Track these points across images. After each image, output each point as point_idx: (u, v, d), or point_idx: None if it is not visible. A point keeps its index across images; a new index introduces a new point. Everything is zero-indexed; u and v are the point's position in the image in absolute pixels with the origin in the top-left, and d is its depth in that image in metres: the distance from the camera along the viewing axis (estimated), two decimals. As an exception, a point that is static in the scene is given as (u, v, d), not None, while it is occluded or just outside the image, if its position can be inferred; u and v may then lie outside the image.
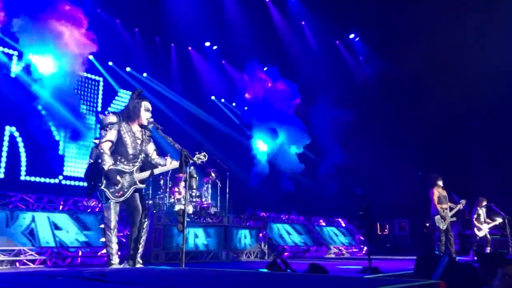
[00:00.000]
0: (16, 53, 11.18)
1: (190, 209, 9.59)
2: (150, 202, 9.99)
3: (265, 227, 11.20)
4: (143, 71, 14.65)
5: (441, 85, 13.13)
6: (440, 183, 9.17)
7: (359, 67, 17.18)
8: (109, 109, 13.28)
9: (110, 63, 13.64)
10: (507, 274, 3.43)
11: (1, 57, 10.98)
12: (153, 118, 5.22)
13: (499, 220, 10.17)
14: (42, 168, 11.33)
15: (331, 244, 13.04)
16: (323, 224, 13.91)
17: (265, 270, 4.91)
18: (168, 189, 10.22)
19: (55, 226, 7.94)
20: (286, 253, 11.50)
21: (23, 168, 11.16)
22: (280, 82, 16.06)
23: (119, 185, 4.84)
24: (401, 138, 14.65)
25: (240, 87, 16.41)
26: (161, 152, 5.42)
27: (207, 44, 15.96)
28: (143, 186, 5.11)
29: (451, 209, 9.07)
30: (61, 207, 8.50)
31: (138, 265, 4.92)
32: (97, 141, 5.04)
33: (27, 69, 10.97)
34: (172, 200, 10.15)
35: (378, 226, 14.98)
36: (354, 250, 13.59)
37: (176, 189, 10.38)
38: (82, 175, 5.15)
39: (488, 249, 9.91)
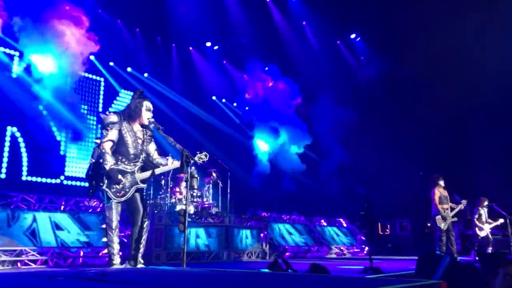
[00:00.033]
0: (17, 53, 11.20)
1: (191, 209, 9.58)
2: (151, 202, 10.00)
3: (266, 227, 11.19)
4: (144, 71, 14.66)
5: (443, 85, 13.13)
6: (442, 183, 9.16)
7: (360, 67, 17.18)
8: (110, 109, 13.29)
9: (111, 63, 13.66)
10: (508, 274, 3.42)
11: (3, 58, 11.00)
12: (154, 118, 5.22)
13: (500, 220, 10.16)
14: (43, 168, 11.34)
15: (333, 244, 13.04)
16: (325, 224, 13.91)
17: (266, 270, 4.91)
18: (169, 189, 10.22)
19: (57, 226, 7.94)
20: (287, 253, 11.49)
21: (25, 169, 11.17)
22: (281, 82, 16.06)
23: (121, 185, 4.84)
24: (402, 138, 14.64)
25: (241, 87, 16.42)
26: (162, 152, 5.42)
27: (208, 44, 15.97)
28: (145, 185, 5.11)
29: (452, 209, 9.06)
30: (62, 207, 8.50)
31: (139, 265, 4.92)
32: (98, 141, 5.03)
33: (28, 69, 10.98)
34: (173, 200, 10.15)
35: (380, 226, 14.98)
36: (356, 250, 13.58)
37: (177, 189, 10.38)
38: (84, 175, 5.15)
39: (489, 249, 9.91)
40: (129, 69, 14.24)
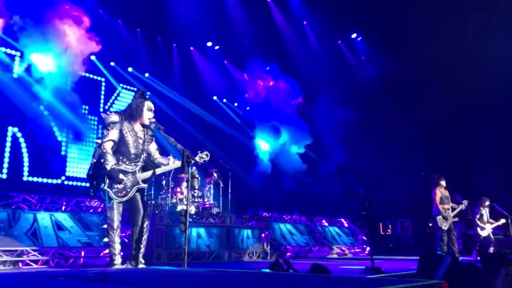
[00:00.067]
0: (18, 53, 11.20)
1: (192, 209, 9.58)
2: (152, 202, 10.00)
3: (268, 227, 11.18)
4: (145, 71, 14.66)
5: (443, 85, 13.12)
6: (443, 183, 9.16)
7: (361, 67, 17.18)
8: (111, 109, 13.29)
9: (112, 64, 13.66)
10: (510, 274, 3.41)
11: (4, 58, 11.00)
12: (155, 118, 5.22)
13: (502, 220, 10.15)
14: (44, 168, 11.34)
15: (334, 244, 13.03)
16: (326, 224, 13.90)
17: (267, 270, 4.91)
18: (170, 190, 10.22)
19: (58, 227, 7.94)
20: (288, 253, 11.49)
21: (26, 169, 11.18)
22: (282, 81, 16.06)
23: (122, 185, 4.84)
24: (403, 137, 14.64)
25: (242, 87, 16.43)
26: (163, 153, 5.42)
27: (209, 44, 15.97)
28: (146, 185, 5.11)
29: (453, 209, 9.07)
30: (63, 207, 8.51)
31: (140, 265, 4.92)
32: (99, 141, 5.03)
33: (29, 70, 10.99)
34: (174, 201, 10.15)
35: (381, 226, 14.97)
36: (357, 250, 13.57)
37: (178, 190, 10.38)
38: (85, 176, 5.15)
39: (491, 249, 9.90)
40: (130, 69, 14.24)
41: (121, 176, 4.80)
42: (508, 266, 3.49)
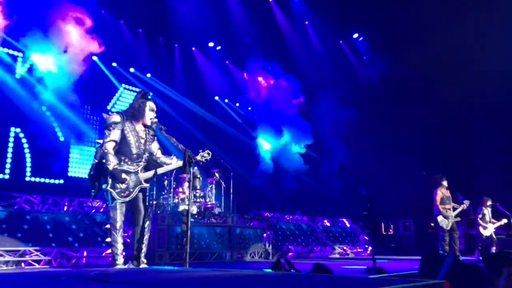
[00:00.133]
0: (20, 54, 11.23)
1: (194, 209, 9.59)
2: (154, 202, 10.01)
3: (269, 227, 11.19)
4: (147, 71, 14.68)
5: (444, 85, 13.11)
6: (445, 183, 9.15)
7: (362, 66, 17.17)
8: (113, 109, 13.31)
9: (114, 64, 13.67)
10: (512, 274, 3.41)
11: (6, 59, 11.03)
12: (157, 119, 5.22)
13: (504, 220, 10.12)
14: (46, 169, 11.36)
15: (336, 244, 13.03)
16: (328, 224, 13.90)
17: (269, 270, 4.91)
18: (172, 190, 10.24)
19: (60, 227, 7.95)
20: (290, 253, 11.50)
21: (28, 169, 11.20)
22: (283, 80, 16.07)
23: (125, 185, 4.84)
24: (405, 137, 14.63)
25: (243, 87, 16.44)
26: (165, 153, 5.41)
27: (211, 44, 15.98)
28: (148, 185, 5.11)
29: (454, 209, 9.06)
30: (65, 207, 8.53)
31: (142, 265, 4.92)
32: (101, 141, 5.02)
33: (31, 70, 11.02)
34: (176, 201, 10.16)
35: (383, 226, 14.95)
36: (359, 250, 13.57)
37: (180, 190, 10.40)
38: (87, 176, 5.13)
39: (493, 249, 9.87)
40: (132, 70, 14.26)
41: (123, 176, 4.80)
42: (510, 266, 3.49)
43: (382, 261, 7.83)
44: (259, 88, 16.57)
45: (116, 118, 4.98)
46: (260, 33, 15.10)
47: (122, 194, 4.83)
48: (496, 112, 13.55)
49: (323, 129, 15.33)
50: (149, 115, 5.13)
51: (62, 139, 11.82)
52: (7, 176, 10.75)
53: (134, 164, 4.98)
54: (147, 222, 5.04)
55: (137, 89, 12.98)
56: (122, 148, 4.96)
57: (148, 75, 14.75)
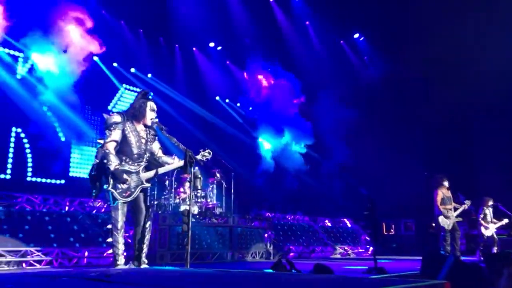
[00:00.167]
0: (21, 54, 11.24)
1: (195, 209, 9.60)
2: (156, 202, 10.01)
3: (271, 227, 11.19)
4: (147, 72, 14.68)
5: (445, 85, 13.10)
6: (446, 183, 9.15)
7: (363, 66, 17.16)
8: (114, 109, 13.32)
9: (115, 64, 13.68)
10: (513, 274, 3.40)
11: (7, 59, 11.04)
12: (158, 119, 5.23)
13: (505, 220, 10.11)
14: (48, 169, 11.37)
15: (337, 244, 13.02)
16: (329, 224, 13.89)
17: (270, 270, 4.91)
18: (173, 190, 10.24)
19: (61, 227, 7.96)
20: (291, 254, 11.50)
21: (29, 169, 11.22)
22: (284, 80, 16.07)
23: (126, 185, 4.84)
24: (406, 137, 14.62)
25: (244, 87, 16.44)
26: (166, 153, 5.42)
27: (212, 44, 15.97)
28: (149, 185, 5.11)
29: (455, 209, 9.06)
30: (67, 208, 8.53)
31: (143, 266, 4.92)
32: (101, 141, 5.02)
33: (32, 71, 11.03)
34: (177, 201, 10.17)
35: (384, 226, 14.93)
36: (360, 250, 13.56)
37: (181, 190, 10.40)
38: (87, 176, 5.13)
39: (495, 249, 9.86)
40: (132, 70, 14.26)
41: (125, 176, 4.80)
42: (511, 266, 3.48)
43: (383, 261, 7.82)
44: (260, 88, 16.58)
45: (116, 118, 4.98)
46: (261, 33, 15.10)
47: (124, 194, 4.83)
48: (497, 112, 13.55)
49: (324, 129, 15.33)
50: (150, 115, 5.13)
51: (63, 139, 11.83)
52: (8, 176, 10.76)
53: (135, 164, 4.98)
54: (149, 223, 5.04)
55: (138, 89, 13.00)
56: (123, 148, 4.96)
57: (149, 75, 14.76)
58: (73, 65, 10.91)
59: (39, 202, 8.24)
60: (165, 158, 5.22)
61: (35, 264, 7.35)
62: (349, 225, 14.49)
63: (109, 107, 13.36)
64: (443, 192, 9.06)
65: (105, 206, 8.70)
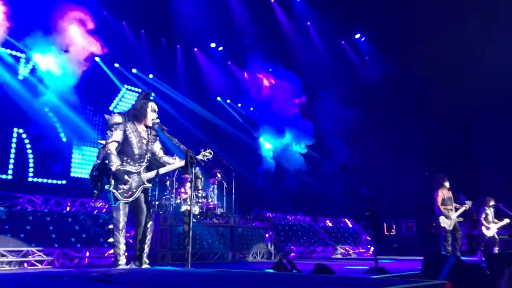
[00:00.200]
0: (23, 55, 11.27)
1: (196, 210, 9.61)
2: (157, 203, 10.02)
3: (271, 227, 11.19)
4: (149, 72, 14.71)
5: (447, 85, 13.09)
6: (446, 184, 9.15)
7: (365, 67, 17.15)
8: (115, 110, 13.34)
9: (116, 65, 13.70)
10: (514, 275, 3.40)
11: (9, 60, 11.07)
12: (159, 119, 5.24)
13: (506, 220, 10.10)
14: (49, 169, 11.40)
15: (338, 244, 13.02)
16: (330, 224, 13.89)
17: (271, 270, 4.91)
18: (174, 190, 10.25)
19: (62, 228, 7.97)
20: (292, 254, 11.50)
21: (31, 170, 11.24)
22: (285, 81, 16.08)
23: (128, 186, 4.85)
24: (407, 137, 14.60)
25: (245, 88, 16.45)
26: (167, 153, 5.43)
27: (213, 45, 15.99)
28: (150, 185, 5.12)
29: (456, 209, 9.05)
30: (68, 208, 8.55)
31: (144, 266, 4.93)
32: (103, 142, 5.04)
33: (34, 71, 11.06)
34: (178, 201, 10.18)
35: (385, 226, 14.92)
36: (361, 250, 13.55)
37: (182, 190, 10.41)
38: (88, 176, 5.14)
39: (496, 249, 9.85)
40: (134, 70, 14.28)
41: (126, 177, 4.81)
42: (512, 266, 3.48)
43: (384, 262, 7.83)
44: (261, 88, 16.59)
45: (118, 118, 4.99)
46: (262, 34, 15.10)
47: (125, 194, 4.84)
48: (498, 112, 13.53)
49: (325, 129, 15.33)
50: (151, 116, 5.15)
51: (64, 139, 11.85)
52: (9, 177, 10.78)
53: (136, 164, 4.99)
54: (150, 223, 5.05)
55: (139, 90, 13.01)
56: (124, 148, 4.97)
57: (151, 75, 14.78)
58: (74, 66, 10.93)
59: (40, 202, 8.26)
60: (166, 158, 5.23)
61: (37, 264, 7.37)
62: (350, 225, 14.48)
63: (111, 108, 13.39)
64: (443, 193, 9.07)
65: (106, 206, 8.72)
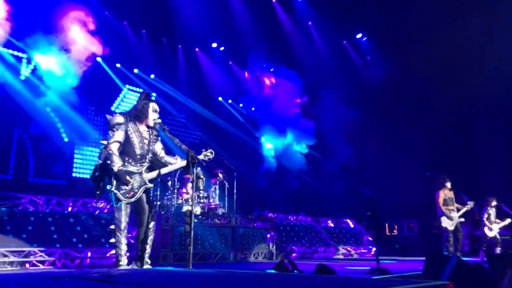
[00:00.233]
0: (25, 55, 11.28)
1: (197, 210, 9.61)
2: (158, 203, 10.03)
3: (273, 227, 11.18)
4: (150, 72, 14.72)
5: (450, 85, 13.07)
6: (448, 184, 9.14)
7: (366, 66, 17.14)
8: (117, 110, 13.36)
9: (118, 65, 13.72)
10: (516, 275, 3.39)
11: (11, 60, 11.09)
12: (161, 119, 5.24)
13: (508, 220, 10.09)
14: (50, 169, 11.41)
15: (340, 245, 13.00)
16: (331, 225, 13.88)
17: (272, 271, 4.90)
18: (176, 190, 10.26)
19: (64, 228, 7.98)
20: (294, 254, 11.49)
21: (32, 170, 11.24)
22: (286, 81, 16.08)
23: (129, 186, 4.84)
24: (409, 138, 14.58)
25: (246, 88, 16.45)
26: (168, 153, 5.43)
27: (214, 45, 16.00)
28: (152, 186, 5.12)
29: (458, 210, 9.04)
30: (70, 208, 8.55)
31: (146, 266, 4.93)
32: (105, 142, 5.03)
33: (36, 72, 11.07)
34: (180, 201, 10.18)
35: (387, 226, 14.90)
36: (363, 251, 13.53)
37: (184, 190, 10.41)
38: (89, 176, 5.14)
39: (498, 250, 9.83)
40: (135, 71, 14.30)
41: (127, 177, 4.81)
42: (514, 266, 3.47)
43: (386, 262, 7.81)
44: (262, 88, 16.59)
45: (119, 119, 4.99)
46: (263, 34, 15.11)
47: (127, 195, 4.84)
48: (500, 112, 13.50)
49: (326, 129, 15.32)
50: (152, 116, 5.15)
51: (66, 140, 11.86)
52: (11, 177, 10.79)
53: (138, 164, 4.99)
54: (152, 223, 5.04)
55: (141, 90, 13.02)
56: (126, 149, 4.97)
57: (152, 76, 14.79)
58: (76, 66, 10.95)
59: (42, 202, 8.27)
60: (168, 159, 5.23)
61: (38, 264, 7.37)
62: (351, 225, 14.47)
63: (112, 108, 13.40)
64: (445, 193, 9.06)
65: (108, 206, 8.73)
